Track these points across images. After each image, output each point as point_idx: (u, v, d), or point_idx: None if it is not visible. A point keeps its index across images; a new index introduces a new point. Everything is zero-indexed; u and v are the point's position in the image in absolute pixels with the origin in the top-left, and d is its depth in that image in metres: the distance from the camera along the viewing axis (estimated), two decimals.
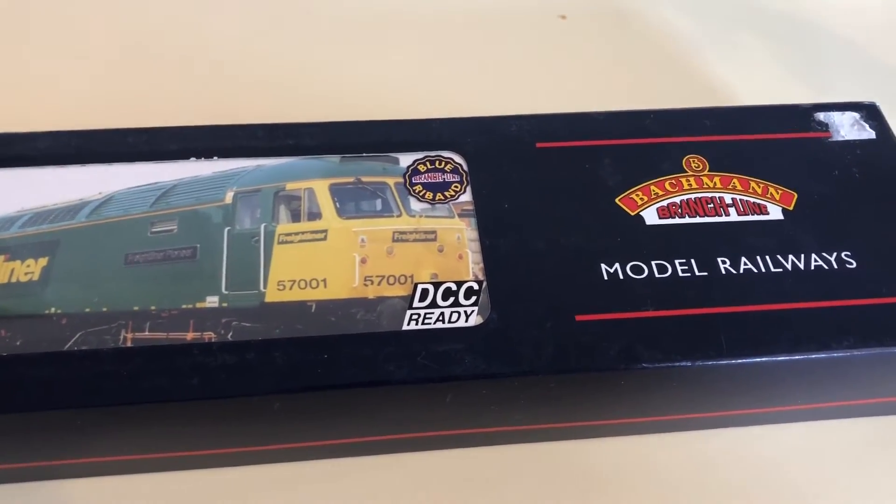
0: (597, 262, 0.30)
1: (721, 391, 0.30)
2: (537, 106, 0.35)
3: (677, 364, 0.28)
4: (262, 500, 0.29)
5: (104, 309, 0.28)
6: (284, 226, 0.30)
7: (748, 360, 0.28)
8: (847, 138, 0.34)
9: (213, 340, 0.27)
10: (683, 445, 0.32)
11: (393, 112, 0.34)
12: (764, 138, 0.34)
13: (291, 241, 0.30)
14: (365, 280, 0.29)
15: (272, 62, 0.43)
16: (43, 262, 0.29)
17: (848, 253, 0.31)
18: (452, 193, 0.31)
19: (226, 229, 0.30)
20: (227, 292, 0.28)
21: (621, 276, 0.30)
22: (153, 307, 0.28)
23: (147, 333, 0.27)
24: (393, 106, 0.37)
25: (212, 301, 0.28)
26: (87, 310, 0.27)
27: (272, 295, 0.28)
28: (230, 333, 0.27)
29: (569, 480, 0.31)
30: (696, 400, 0.30)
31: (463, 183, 0.32)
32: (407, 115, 0.33)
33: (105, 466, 0.29)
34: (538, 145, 0.33)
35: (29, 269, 0.28)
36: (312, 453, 0.30)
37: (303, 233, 0.30)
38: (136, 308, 0.28)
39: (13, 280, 0.28)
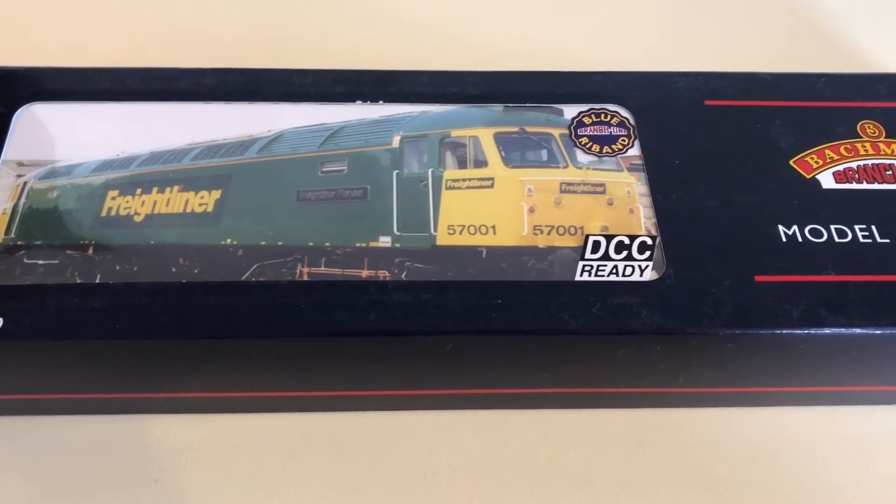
0: (773, 223, 0.29)
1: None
2: (698, 64, 0.34)
3: (863, 331, 0.27)
4: (412, 447, 0.29)
5: (279, 243, 0.28)
6: (451, 171, 0.30)
7: None
8: None
9: (387, 279, 0.27)
10: (857, 421, 0.30)
11: (553, 64, 0.33)
12: None
13: (459, 187, 0.29)
14: (534, 229, 0.28)
15: (434, 9, 0.42)
16: (216, 194, 0.29)
17: None
18: (620, 147, 0.31)
19: (394, 172, 0.29)
20: (398, 233, 0.28)
21: (800, 239, 0.28)
22: (327, 244, 0.28)
23: (323, 269, 0.27)
24: (554, 58, 0.36)
25: (384, 241, 0.28)
26: (263, 243, 0.28)
27: (443, 238, 0.28)
28: (404, 273, 0.27)
29: (732, 450, 0.30)
30: (877, 370, 0.29)
31: (630, 137, 0.31)
32: (568, 68, 0.33)
33: (269, 402, 0.29)
34: (706, 102, 0.32)
35: (203, 201, 0.29)
36: (470, 402, 0.30)
37: (470, 179, 0.29)
38: (310, 244, 0.28)
39: (188, 210, 0.28)
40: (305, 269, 0.27)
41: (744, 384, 0.29)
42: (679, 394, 0.30)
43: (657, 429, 0.30)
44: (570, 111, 0.32)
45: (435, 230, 0.28)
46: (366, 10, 0.42)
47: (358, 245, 0.28)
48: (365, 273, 0.27)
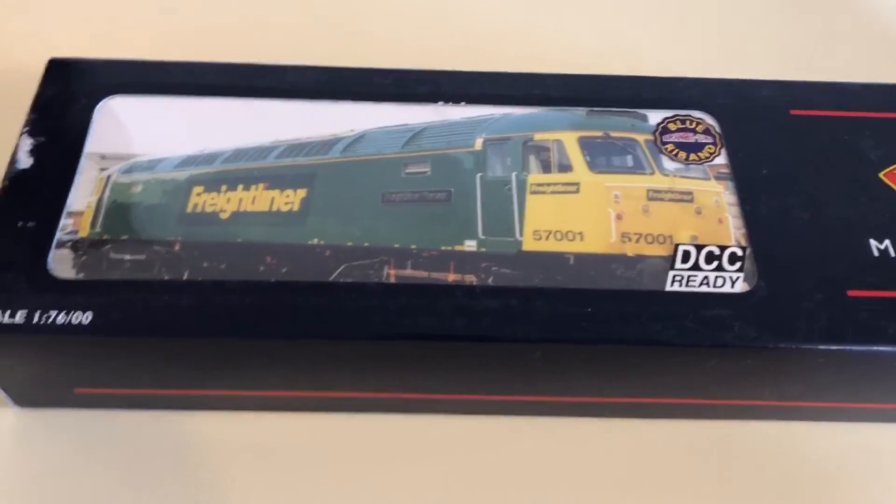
0: (865, 237, 0.28)
1: None
2: (780, 72, 0.33)
3: None
4: (498, 451, 0.29)
5: (366, 244, 0.27)
6: (535, 175, 0.29)
7: None
8: None
9: (474, 283, 0.27)
10: None
11: (632, 69, 0.33)
12: None
13: (544, 192, 0.29)
14: (622, 237, 0.28)
15: (506, 10, 0.42)
16: (302, 193, 0.29)
17: None
18: (707, 155, 0.30)
19: (478, 175, 0.29)
20: (484, 237, 0.28)
21: (892, 254, 0.28)
22: (413, 246, 0.27)
23: (409, 271, 0.27)
24: (634, 63, 0.35)
25: (470, 245, 0.27)
26: (349, 243, 0.27)
27: (529, 244, 0.28)
28: (490, 278, 0.27)
29: (817, 463, 0.29)
30: None
31: (717, 145, 0.30)
32: (648, 73, 0.32)
33: (352, 403, 0.29)
34: (792, 112, 0.31)
35: (288, 200, 0.28)
36: (555, 409, 0.29)
37: (554, 184, 0.29)
38: (396, 245, 0.27)
39: (274, 209, 0.28)
40: (392, 272, 0.27)
41: (831, 399, 0.29)
42: (763, 406, 0.29)
43: (740, 441, 0.29)
44: (655, 117, 0.31)
45: (521, 235, 0.28)
46: (440, 12, 0.41)
47: (444, 248, 0.27)
48: (451, 277, 0.27)
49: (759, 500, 0.28)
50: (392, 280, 0.27)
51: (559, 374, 0.27)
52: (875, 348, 0.26)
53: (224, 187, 0.29)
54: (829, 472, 0.29)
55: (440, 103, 0.31)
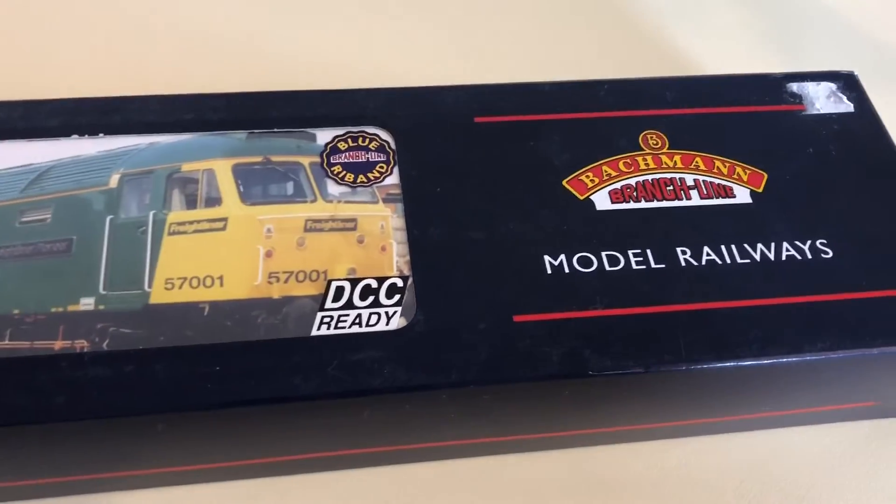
0: (540, 253, 0.26)
1: (679, 400, 0.26)
2: (476, 76, 0.31)
3: (629, 372, 0.24)
4: None
5: None
6: (177, 213, 0.26)
7: (710, 366, 0.25)
8: (822, 111, 0.31)
9: (85, 350, 0.23)
10: (637, 458, 0.28)
11: (310, 82, 0.30)
12: (730, 112, 0.30)
13: (184, 232, 0.25)
14: (269, 277, 0.25)
15: (170, 22, 0.37)
16: None
17: (823, 241, 0.27)
18: (377, 175, 0.27)
19: (108, 218, 0.25)
20: (105, 292, 0.24)
21: (567, 270, 0.26)
22: (16, 311, 0.23)
23: (7, 342, 0.23)
24: (311, 75, 0.32)
25: (87, 303, 0.24)
26: None
27: (158, 295, 0.24)
28: (106, 341, 0.23)
29: (508, 497, 0.27)
30: (652, 409, 0.27)
31: (389, 163, 0.28)
32: (327, 86, 0.29)
33: None
34: (476, 120, 0.29)
35: None
36: (211, 475, 0.26)
37: (199, 221, 0.26)
38: None
39: None
40: None
41: (513, 432, 0.27)
42: (449, 447, 0.27)
43: (432, 483, 0.27)
44: (325, 135, 0.28)
45: (150, 286, 0.24)
46: (89, 25, 0.36)
47: (53, 310, 0.24)
48: (59, 344, 0.23)
49: None
50: None
51: (192, 444, 0.24)
52: (536, 381, 0.24)
53: None
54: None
55: (74, 137, 0.27)
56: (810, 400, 0.28)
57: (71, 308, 0.24)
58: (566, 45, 0.38)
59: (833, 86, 0.32)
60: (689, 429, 0.29)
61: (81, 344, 0.23)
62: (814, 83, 0.32)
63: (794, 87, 0.31)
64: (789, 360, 0.25)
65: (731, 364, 0.25)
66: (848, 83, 0.32)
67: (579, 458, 0.28)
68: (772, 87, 0.31)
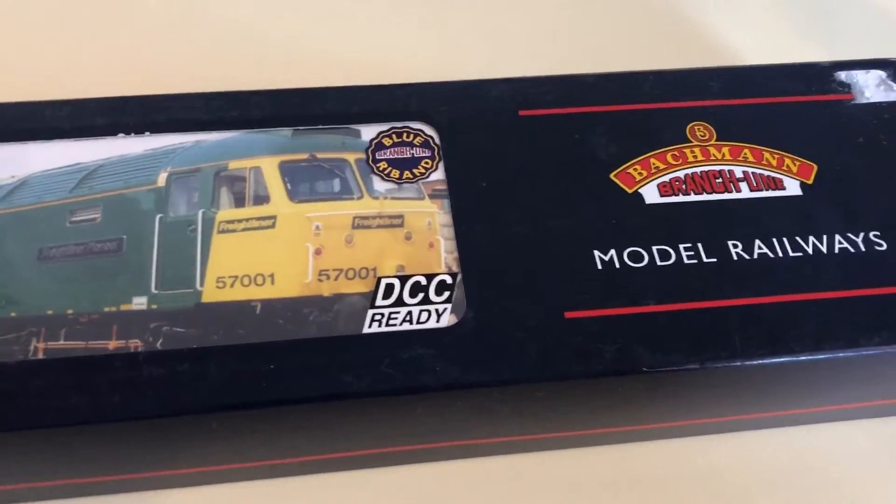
0: (589, 248, 0.26)
1: (733, 394, 0.26)
2: (520, 68, 0.31)
3: (683, 368, 0.24)
4: None
5: (12, 314, 0.23)
6: (226, 212, 0.26)
7: (764, 361, 0.24)
8: (872, 100, 0.30)
9: (139, 349, 0.23)
10: (691, 453, 0.28)
11: (353, 77, 0.29)
12: (778, 102, 0.30)
13: (234, 230, 0.26)
14: (319, 275, 0.25)
15: (211, 20, 0.37)
16: None
17: (877, 233, 0.27)
18: (422, 171, 0.27)
19: (157, 217, 0.26)
20: (157, 292, 0.24)
21: (617, 265, 0.26)
22: (70, 311, 0.24)
23: (62, 342, 0.23)
24: (352, 71, 0.32)
25: (139, 302, 0.24)
26: None
27: (210, 294, 0.24)
28: (160, 341, 0.23)
29: (560, 493, 0.27)
30: (705, 404, 0.26)
31: (434, 158, 0.28)
32: (369, 81, 0.29)
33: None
34: (521, 113, 0.29)
35: None
36: (260, 472, 0.26)
37: (247, 220, 0.26)
38: (49, 312, 0.24)
39: None
40: (41, 345, 0.23)
41: (566, 429, 0.26)
42: (501, 443, 0.27)
43: (485, 479, 0.27)
44: (369, 132, 0.28)
45: (202, 285, 0.24)
46: (128, 24, 0.36)
47: (107, 310, 0.24)
48: (112, 344, 0.23)
49: None
50: (40, 356, 0.23)
51: (247, 441, 0.24)
52: (589, 378, 0.24)
53: None
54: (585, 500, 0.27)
55: (121, 135, 0.27)
56: (867, 394, 0.27)
57: (124, 307, 0.24)
58: (606, 36, 0.38)
59: (883, 73, 0.31)
60: (741, 423, 0.28)
61: (135, 343, 0.23)
62: (863, 71, 0.31)
63: (842, 75, 0.31)
64: (845, 354, 0.24)
65: (787, 359, 0.24)
66: None
67: (629, 454, 0.28)
68: (819, 75, 0.31)
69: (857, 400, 0.28)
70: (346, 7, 0.38)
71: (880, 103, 0.30)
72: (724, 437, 0.28)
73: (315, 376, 0.23)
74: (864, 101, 0.30)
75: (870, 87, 0.31)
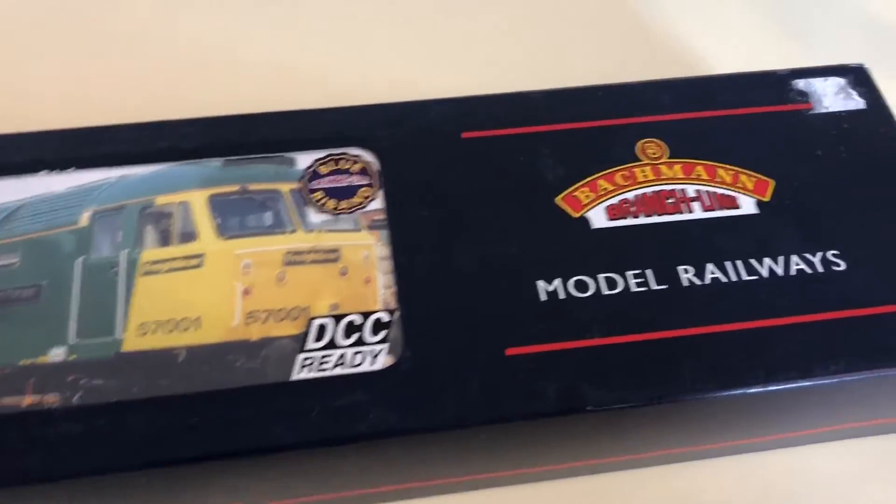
0: (533, 279, 0.25)
1: (684, 428, 0.25)
2: (464, 86, 0.29)
3: (629, 406, 0.23)
4: None
5: None
6: (151, 251, 0.25)
7: (715, 395, 0.23)
8: (831, 109, 0.29)
9: (55, 405, 0.22)
10: (644, 485, 0.27)
11: (289, 102, 0.28)
12: (734, 114, 0.29)
13: (159, 271, 0.24)
14: (248, 317, 0.24)
15: (139, 46, 0.35)
16: None
17: (835, 252, 0.26)
18: (360, 200, 0.26)
19: (78, 260, 0.24)
20: (76, 341, 0.23)
21: (562, 296, 0.24)
22: None
23: None
24: (290, 94, 0.31)
25: (57, 354, 0.23)
26: None
27: (132, 342, 0.23)
28: (77, 395, 0.22)
29: None
30: (656, 438, 0.25)
31: (373, 186, 0.26)
32: (305, 105, 0.28)
33: None
34: (464, 135, 0.28)
35: None
36: None
37: (173, 259, 0.25)
38: None
39: None
40: None
41: (512, 468, 0.25)
42: (445, 484, 0.26)
43: None
44: (305, 159, 0.27)
45: (123, 332, 0.23)
46: (51, 52, 0.34)
47: (22, 363, 0.23)
48: (27, 400, 0.22)
49: None
50: None
51: (174, 497, 0.23)
52: (532, 420, 0.23)
53: None
54: None
55: (43, 172, 0.26)
56: (825, 421, 0.26)
57: (41, 360, 0.23)
58: (558, 49, 0.36)
59: (842, 81, 0.30)
60: (699, 453, 0.27)
61: (51, 399, 0.22)
62: (821, 79, 0.30)
63: (800, 84, 0.30)
64: (800, 384, 0.23)
65: (738, 392, 0.23)
66: (858, 78, 0.30)
67: (582, 489, 0.27)
68: (777, 85, 0.30)
69: (818, 426, 0.27)
70: (277, 25, 0.36)
71: (840, 112, 0.29)
72: (681, 466, 0.27)
73: (241, 428, 0.22)
74: (823, 110, 0.29)
75: (829, 96, 0.29)
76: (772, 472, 0.28)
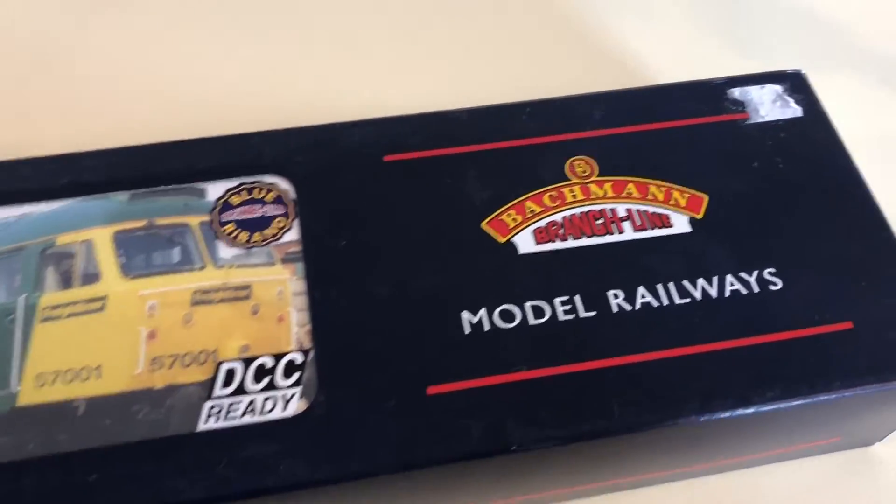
0: (457, 310, 0.24)
1: (618, 461, 0.24)
2: (387, 107, 0.28)
3: (556, 443, 0.22)
4: None
5: None
6: (51, 295, 0.23)
7: (646, 430, 0.22)
8: (768, 118, 0.28)
9: None
10: None
11: (200, 129, 0.27)
12: (666, 127, 0.28)
13: (59, 317, 0.23)
14: (152, 363, 0.22)
15: (32, 66, 0.33)
16: None
17: (772, 270, 0.25)
18: (275, 232, 0.25)
19: None
20: None
21: (487, 327, 0.23)
22: None
23: None
24: (201, 121, 0.29)
25: None
26: None
27: (28, 395, 0.22)
28: None
29: None
30: (589, 471, 0.24)
31: (289, 216, 0.25)
32: (215, 131, 0.26)
33: None
34: (385, 159, 0.26)
35: None
36: None
37: (74, 303, 0.23)
38: None
39: None
40: None
41: None
42: None
43: None
44: (216, 189, 0.26)
45: (19, 385, 0.22)
46: None
47: None
48: None
49: None
50: None
51: None
52: (453, 463, 0.21)
53: None
54: None
55: None
56: (764, 446, 0.25)
57: None
58: (489, 64, 0.35)
59: (779, 88, 0.29)
60: (640, 482, 0.26)
61: None
62: (757, 87, 0.29)
63: (735, 92, 0.29)
64: (736, 413, 0.22)
65: (670, 423, 0.22)
66: (795, 84, 0.29)
67: None
68: (711, 94, 0.29)
69: (757, 452, 0.26)
70: (184, 41, 0.35)
71: (777, 121, 0.28)
72: (618, 496, 0.26)
73: (143, 484, 0.20)
74: (760, 119, 0.28)
75: (765, 105, 0.29)
76: (720, 493, 0.27)
